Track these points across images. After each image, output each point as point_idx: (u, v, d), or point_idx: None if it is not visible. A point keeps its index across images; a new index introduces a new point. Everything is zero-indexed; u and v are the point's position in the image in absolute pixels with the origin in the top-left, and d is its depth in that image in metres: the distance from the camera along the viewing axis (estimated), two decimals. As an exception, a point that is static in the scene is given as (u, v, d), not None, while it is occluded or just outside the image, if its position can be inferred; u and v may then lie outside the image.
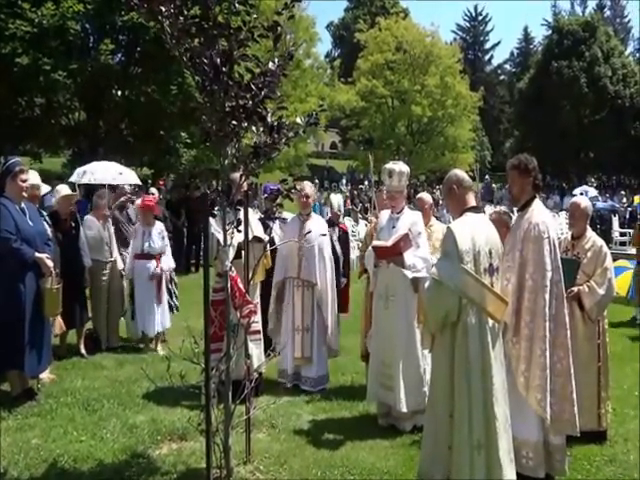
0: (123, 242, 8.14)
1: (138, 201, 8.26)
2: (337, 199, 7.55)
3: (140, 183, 14.44)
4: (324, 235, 6.08)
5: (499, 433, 3.46)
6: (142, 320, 7.15)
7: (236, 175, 4.18)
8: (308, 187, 6.21)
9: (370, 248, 5.19)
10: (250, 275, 4.28)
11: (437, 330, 3.61)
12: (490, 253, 3.60)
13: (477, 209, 3.83)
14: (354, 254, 10.71)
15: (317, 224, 6.16)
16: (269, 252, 5.44)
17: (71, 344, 6.88)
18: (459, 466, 3.44)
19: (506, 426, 3.53)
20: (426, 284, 3.67)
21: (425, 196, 6.06)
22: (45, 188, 6.28)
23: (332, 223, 6.89)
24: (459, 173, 3.88)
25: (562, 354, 3.91)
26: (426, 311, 3.66)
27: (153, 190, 11.75)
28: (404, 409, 4.85)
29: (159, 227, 7.42)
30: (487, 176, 34.56)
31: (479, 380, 3.45)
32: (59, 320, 6.35)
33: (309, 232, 5.73)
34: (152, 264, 7.18)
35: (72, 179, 11.91)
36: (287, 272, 6.04)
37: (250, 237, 4.41)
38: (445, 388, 3.53)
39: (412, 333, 4.92)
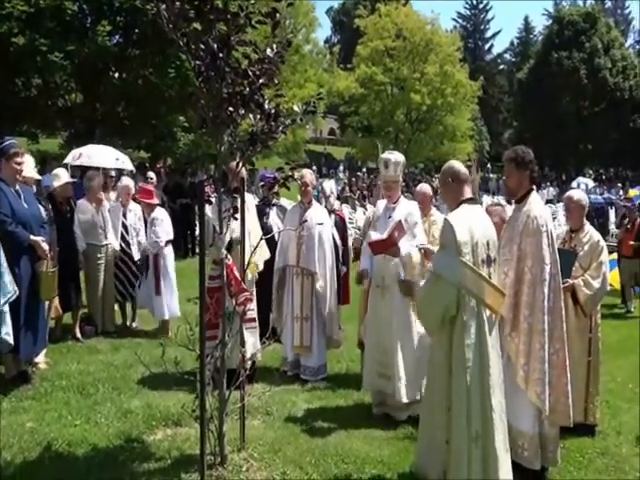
0: None
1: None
2: (329, 185, 7.43)
3: (134, 169, 14.33)
4: (321, 224, 6.00)
5: (495, 424, 3.48)
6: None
7: (233, 162, 4.15)
8: (308, 175, 6.14)
9: (365, 244, 5.15)
10: (246, 264, 4.27)
11: (436, 328, 3.61)
12: (487, 244, 3.60)
13: (474, 200, 3.81)
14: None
15: (317, 213, 6.10)
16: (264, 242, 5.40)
17: (67, 326, 6.85)
18: (457, 459, 3.45)
19: (502, 416, 3.55)
20: (421, 282, 3.65)
21: (424, 187, 6.02)
22: (30, 161, 6.09)
23: (328, 211, 6.84)
24: (455, 166, 3.83)
25: (558, 346, 3.92)
26: (424, 310, 3.64)
27: (151, 174, 11.63)
28: (404, 399, 4.83)
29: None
30: (488, 165, 34.48)
31: (477, 371, 3.46)
32: (55, 304, 6.33)
33: (305, 221, 5.70)
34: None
35: (67, 161, 11.86)
36: (287, 260, 6.03)
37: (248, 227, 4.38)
38: (443, 381, 3.53)
39: (408, 322, 4.91)
